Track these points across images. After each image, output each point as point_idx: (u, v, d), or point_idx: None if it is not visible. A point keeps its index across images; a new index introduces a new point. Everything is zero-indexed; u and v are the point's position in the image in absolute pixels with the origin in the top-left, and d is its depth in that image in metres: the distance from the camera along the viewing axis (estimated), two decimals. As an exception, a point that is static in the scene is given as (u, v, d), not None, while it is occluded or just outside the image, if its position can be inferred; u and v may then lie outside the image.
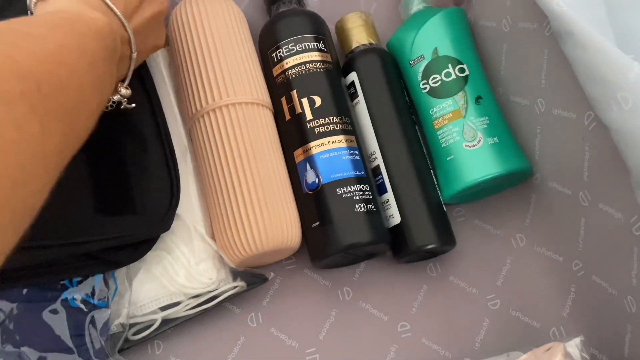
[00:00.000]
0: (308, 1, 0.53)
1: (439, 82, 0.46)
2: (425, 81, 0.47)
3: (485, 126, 0.45)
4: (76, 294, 0.37)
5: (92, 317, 0.38)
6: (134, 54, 0.36)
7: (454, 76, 0.46)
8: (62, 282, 0.37)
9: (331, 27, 0.51)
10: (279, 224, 0.41)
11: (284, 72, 0.47)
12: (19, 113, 0.22)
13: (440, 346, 0.44)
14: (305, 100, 0.45)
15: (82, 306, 0.37)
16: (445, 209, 0.46)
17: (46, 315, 0.36)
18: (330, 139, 0.44)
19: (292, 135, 0.45)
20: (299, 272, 0.46)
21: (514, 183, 0.47)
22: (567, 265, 0.44)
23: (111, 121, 0.38)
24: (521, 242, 0.47)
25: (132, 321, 0.41)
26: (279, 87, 0.47)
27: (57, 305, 0.36)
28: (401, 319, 0.45)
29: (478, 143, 0.44)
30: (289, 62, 0.46)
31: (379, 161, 0.46)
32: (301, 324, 0.45)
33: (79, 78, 0.28)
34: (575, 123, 0.39)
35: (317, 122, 0.45)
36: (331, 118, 0.45)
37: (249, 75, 0.46)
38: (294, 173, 0.45)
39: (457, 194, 0.45)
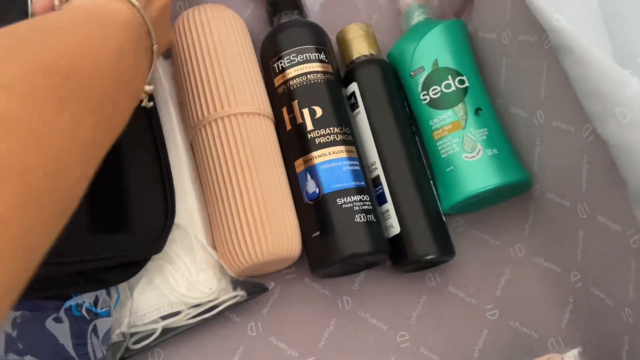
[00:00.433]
0: (309, 12, 0.53)
1: (439, 94, 0.46)
2: (425, 92, 0.47)
3: (485, 137, 0.45)
4: (80, 302, 0.37)
5: (95, 325, 0.38)
6: (155, 46, 0.36)
7: (454, 88, 0.46)
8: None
9: (332, 38, 0.52)
10: (279, 234, 0.42)
11: (285, 82, 0.47)
12: (49, 107, 0.23)
13: (439, 356, 0.44)
14: (306, 111, 0.46)
15: (85, 315, 0.37)
16: (444, 219, 0.46)
17: (49, 323, 0.36)
18: (331, 149, 0.45)
19: (293, 145, 0.46)
20: (298, 281, 0.46)
21: (513, 194, 0.47)
22: (566, 277, 0.45)
23: None
24: (520, 252, 0.47)
25: (132, 330, 0.41)
26: (280, 98, 0.47)
27: (61, 313, 0.37)
28: (400, 329, 0.45)
29: (477, 154, 0.44)
30: (291, 73, 0.47)
31: (379, 171, 0.46)
32: (301, 333, 0.45)
33: (109, 69, 0.28)
34: (574, 136, 0.40)
35: (317, 133, 0.45)
36: (332, 128, 0.45)
37: (250, 85, 0.46)
38: (295, 183, 0.45)
39: (456, 204, 0.45)
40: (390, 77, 0.49)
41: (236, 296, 0.43)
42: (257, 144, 0.44)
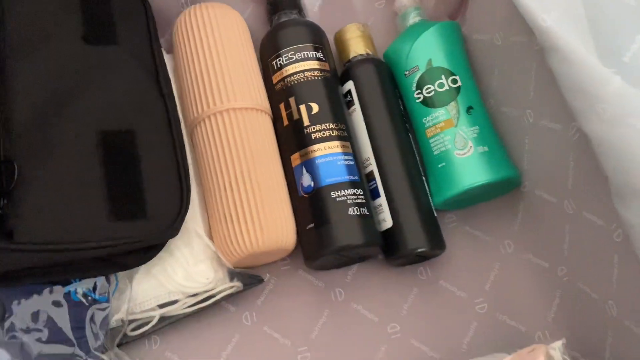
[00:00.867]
0: (309, 12, 0.55)
1: (433, 92, 0.48)
2: (419, 91, 0.49)
3: (476, 135, 0.46)
4: (78, 288, 0.38)
5: (93, 311, 0.39)
6: None
7: (446, 87, 0.48)
8: (64, 276, 0.39)
9: (330, 37, 0.53)
10: (274, 225, 0.43)
11: (283, 79, 0.48)
12: None
13: (429, 347, 0.46)
14: (303, 107, 0.47)
15: (84, 300, 0.38)
16: (436, 214, 0.47)
17: (49, 307, 0.38)
18: (327, 144, 0.46)
19: (290, 140, 0.47)
20: (293, 273, 0.48)
21: (503, 191, 0.49)
22: (553, 271, 0.46)
23: (126, 124, 0.40)
24: (509, 248, 0.48)
25: (131, 317, 0.42)
26: (278, 94, 0.49)
27: (60, 298, 0.38)
28: (391, 320, 0.46)
29: (469, 151, 0.46)
30: (289, 70, 0.48)
31: (373, 167, 0.47)
32: (294, 323, 0.46)
33: None
34: (561, 134, 0.41)
35: (314, 128, 0.46)
36: (328, 124, 0.46)
37: (249, 81, 0.47)
38: (291, 176, 0.46)
39: (448, 200, 0.47)
40: (385, 76, 0.51)
41: (232, 287, 0.44)
42: (254, 138, 0.45)
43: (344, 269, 0.48)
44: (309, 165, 0.45)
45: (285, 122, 0.48)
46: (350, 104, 0.50)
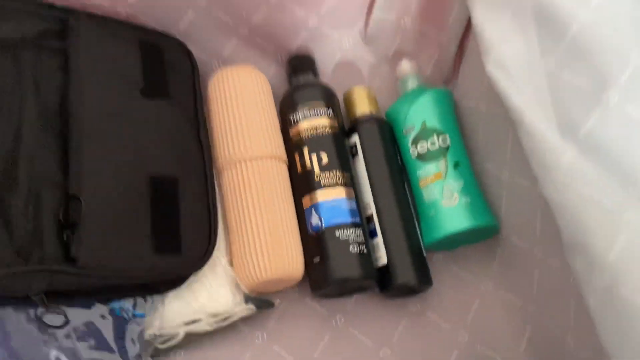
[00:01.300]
0: (323, 73, 0.63)
1: (425, 149, 0.56)
2: (414, 147, 0.57)
3: (461, 188, 0.54)
4: (121, 305, 0.46)
5: (132, 325, 0.46)
6: None
7: (437, 145, 0.56)
8: (110, 294, 0.46)
9: (340, 95, 0.62)
10: (285, 257, 0.50)
11: (298, 132, 0.57)
12: None
13: (415, 370, 0.52)
14: (314, 157, 0.55)
15: (125, 315, 0.46)
16: (425, 254, 0.55)
17: (97, 319, 0.45)
18: (333, 190, 0.54)
19: (302, 185, 0.55)
20: (301, 300, 0.55)
21: (484, 237, 0.56)
22: (524, 308, 0.53)
23: (172, 171, 0.48)
24: (488, 286, 0.56)
25: (161, 332, 0.50)
26: (294, 144, 0.57)
27: (106, 312, 0.45)
28: (383, 345, 0.53)
29: (454, 201, 0.54)
30: (303, 124, 0.57)
31: (372, 211, 0.55)
32: (300, 344, 0.53)
33: None
34: (531, 190, 0.49)
35: (323, 176, 0.54)
36: (335, 173, 0.55)
37: (268, 134, 0.56)
38: (302, 216, 0.54)
39: (435, 242, 0.54)
40: (386, 132, 0.59)
41: (247, 309, 0.51)
42: (271, 182, 0.53)
43: (345, 299, 0.55)
44: (318, 207, 0.53)
45: (299, 169, 0.56)
46: (354, 155, 0.58)
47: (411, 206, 0.56)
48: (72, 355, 0.43)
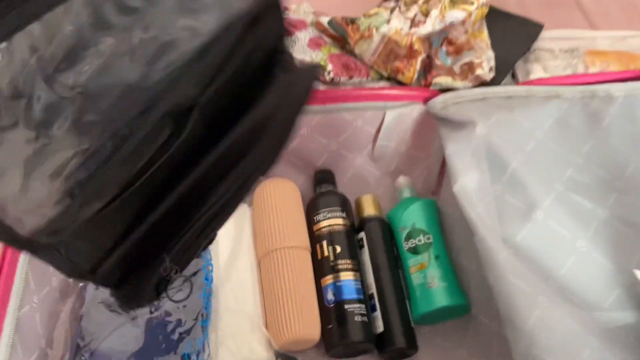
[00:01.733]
0: (338, 184, 0.84)
1: (415, 245, 0.74)
2: (406, 242, 0.75)
3: (440, 275, 0.72)
4: (189, 353, 0.64)
5: (194, 368, 0.64)
6: None
7: (423, 242, 0.74)
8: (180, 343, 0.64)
9: (352, 200, 0.82)
10: (308, 323, 0.68)
11: (319, 228, 0.76)
12: None
13: (403, 417, 0.67)
14: (330, 248, 0.74)
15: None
16: (413, 326, 0.71)
17: (173, 361, 0.63)
18: (345, 273, 0.72)
19: (321, 268, 0.73)
20: (316, 357, 0.71)
21: (459, 313, 0.73)
22: (490, 372, 0.68)
23: None
24: (463, 353, 0.71)
25: (211, 377, 0.67)
26: (315, 237, 0.76)
27: (178, 358, 0.63)
28: (380, 396, 0.69)
29: (435, 285, 0.71)
30: (323, 223, 0.76)
31: (374, 290, 0.73)
32: (315, 392, 0.69)
33: None
34: (489, 279, 0.66)
35: (337, 262, 0.73)
36: (346, 260, 0.73)
37: (298, 229, 0.75)
38: (320, 292, 0.72)
39: (422, 316, 0.71)
40: (386, 230, 0.78)
41: (276, 362, 0.68)
42: (299, 266, 0.72)
43: (350, 359, 0.72)
44: (333, 286, 0.71)
45: (319, 256, 0.74)
46: (362, 246, 0.77)
47: (403, 287, 0.74)
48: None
